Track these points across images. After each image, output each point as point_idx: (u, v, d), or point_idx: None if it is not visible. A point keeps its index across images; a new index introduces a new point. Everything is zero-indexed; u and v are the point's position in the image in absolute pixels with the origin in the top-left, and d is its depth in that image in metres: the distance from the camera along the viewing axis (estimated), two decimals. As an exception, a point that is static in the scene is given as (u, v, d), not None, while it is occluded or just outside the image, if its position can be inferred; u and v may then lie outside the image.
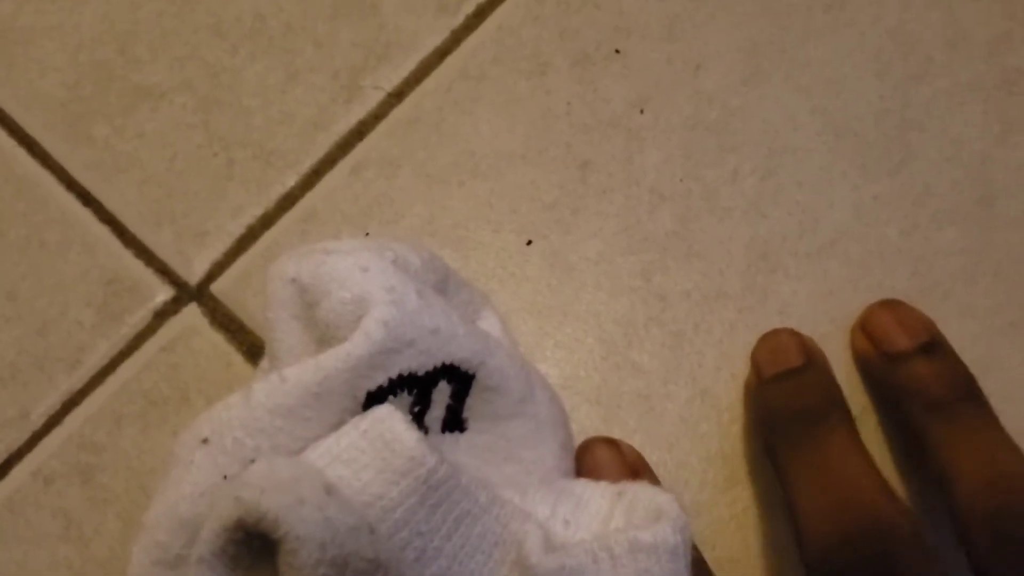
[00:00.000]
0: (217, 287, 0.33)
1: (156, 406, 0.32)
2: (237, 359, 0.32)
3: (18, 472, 0.32)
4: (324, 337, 0.25)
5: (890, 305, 0.31)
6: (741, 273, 0.32)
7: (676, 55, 0.34)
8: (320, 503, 0.21)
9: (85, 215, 0.34)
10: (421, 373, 0.25)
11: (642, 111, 0.34)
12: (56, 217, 0.34)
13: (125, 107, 0.35)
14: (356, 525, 0.21)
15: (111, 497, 0.31)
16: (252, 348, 0.32)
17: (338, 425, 0.24)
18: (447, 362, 0.25)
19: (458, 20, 0.35)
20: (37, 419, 0.32)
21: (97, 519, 0.31)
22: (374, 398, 0.24)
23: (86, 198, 0.34)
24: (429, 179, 0.34)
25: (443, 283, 0.28)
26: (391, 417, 0.23)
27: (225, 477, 0.24)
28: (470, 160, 0.34)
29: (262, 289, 0.32)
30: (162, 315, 0.33)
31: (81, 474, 0.31)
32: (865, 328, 0.31)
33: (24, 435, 0.32)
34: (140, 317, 0.33)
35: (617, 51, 0.35)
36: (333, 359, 0.24)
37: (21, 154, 0.34)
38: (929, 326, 0.30)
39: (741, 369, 0.31)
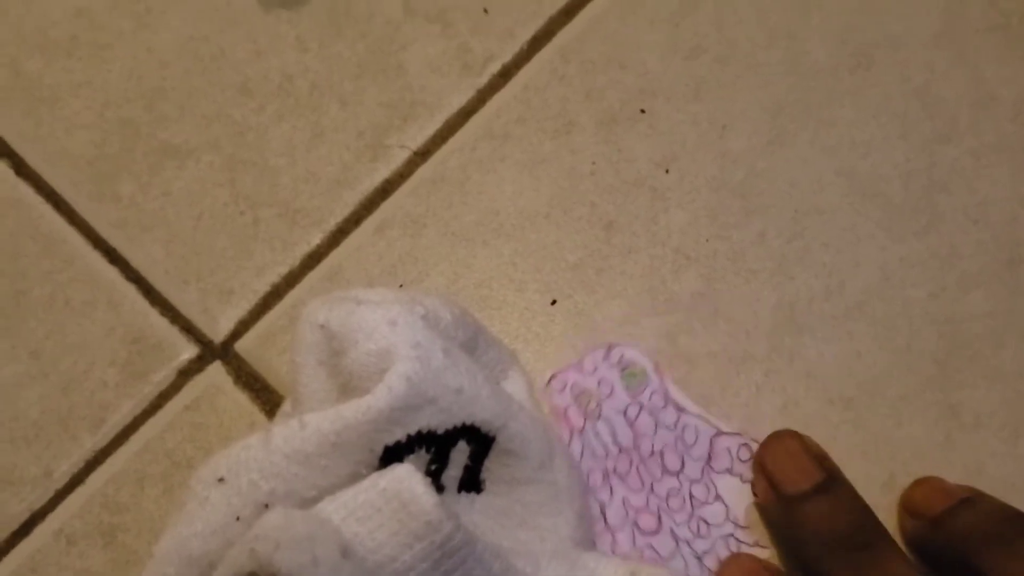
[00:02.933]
0: (242, 345, 0.33)
1: (179, 466, 0.32)
2: (261, 419, 0.32)
3: (40, 531, 0.31)
4: (348, 386, 0.25)
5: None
6: (767, 335, 0.32)
7: (702, 115, 0.34)
8: (335, 565, 0.21)
9: (111, 273, 0.34)
10: (441, 431, 0.25)
11: (667, 171, 0.34)
12: (82, 275, 0.34)
13: (152, 165, 0.35)
14: None
15: (134, 558, 0.31)
16: (276, 407, 0.32)
17: (354, 477, 0.24)
18: (468, 423, 0.25)
19: (483, 80, 0.35)
20: (60, 478, 0.32)
21: (119, 581, 0.31)
22: (392, 453, 0.24)
23: (112, 256, 0.34)
24: (454, 238, 0.34)
25: (472, 341, 0.28)
26: (411, 478, 0.23)
27: (238, 518, 0.24)
28: (494, 219, 0.34)
29: (287, 348, 0.33)
30: (186, 373, 0.33)
31: (104, 535, 0.31)
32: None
33: (47, 494, 0.32)
34: (164, 376, 0.33)
35: (642, 111, 0.35)
36: (353, 410, 0.24)
37: (47, 211, 0.35)
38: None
39: (765, 433, 0.31)
